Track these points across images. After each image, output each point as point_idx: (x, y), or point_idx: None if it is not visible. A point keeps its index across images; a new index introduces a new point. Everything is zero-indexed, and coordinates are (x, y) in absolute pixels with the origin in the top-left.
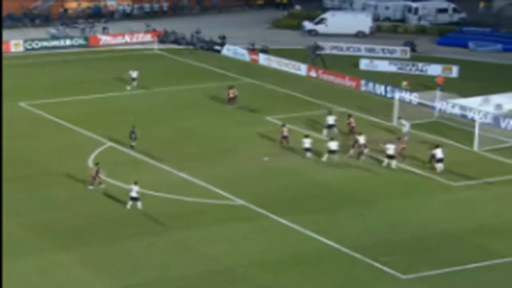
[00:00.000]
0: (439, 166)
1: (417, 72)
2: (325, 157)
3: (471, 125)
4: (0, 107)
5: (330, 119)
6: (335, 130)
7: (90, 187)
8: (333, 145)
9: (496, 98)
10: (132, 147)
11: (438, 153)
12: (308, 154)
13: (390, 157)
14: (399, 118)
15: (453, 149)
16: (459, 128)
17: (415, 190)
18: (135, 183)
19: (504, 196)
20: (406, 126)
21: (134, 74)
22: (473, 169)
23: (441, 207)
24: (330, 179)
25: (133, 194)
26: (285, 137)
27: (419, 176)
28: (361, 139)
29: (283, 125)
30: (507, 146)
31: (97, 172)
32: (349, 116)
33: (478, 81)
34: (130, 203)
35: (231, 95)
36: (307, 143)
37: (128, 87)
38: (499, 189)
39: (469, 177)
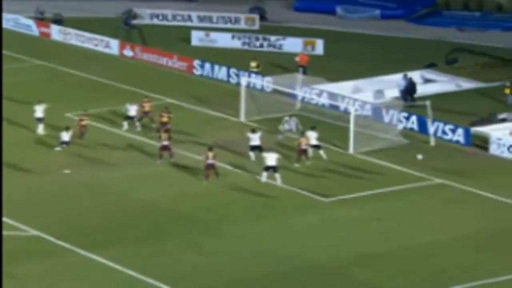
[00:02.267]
0: (322, 153)
1: (270, 49)
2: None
3: (344, 119)
4: (0, 106)
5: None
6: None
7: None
8: None
9: (374, 82)
10: None
11: (312, 137)
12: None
13: (272, 168)
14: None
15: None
16: (328, 123)
17: (272, 209)
18: None
19: (389, 214)
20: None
21: None
22: (349, 179)
23: (308, 232)
24: (155, 196)
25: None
26: None
27: (279, 190)
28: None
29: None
30: (393, 147)
31: None
32: (166, 110)
33: (351, 59)
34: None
35: None
36: (255, 139)
37: None
38: (383, 204)
39: (343, 189)
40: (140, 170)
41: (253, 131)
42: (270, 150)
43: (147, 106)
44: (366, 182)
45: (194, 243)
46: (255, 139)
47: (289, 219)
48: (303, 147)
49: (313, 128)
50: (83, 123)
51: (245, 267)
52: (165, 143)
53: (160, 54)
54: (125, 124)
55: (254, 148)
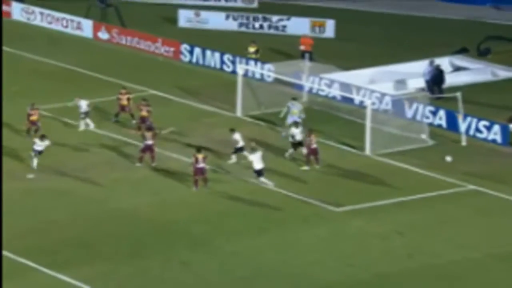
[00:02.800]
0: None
1: (271, 31)
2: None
3: (359, 114)
4: (0, 106)
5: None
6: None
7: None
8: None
9: (395, 70)
10: None
11: (297, 134)
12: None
13: (258, 172)
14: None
15: (333, 152)
16: (340, 119)
17: (274, 221)
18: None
19: (412, 226)
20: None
21: None
22: (365, 185)
23: (316, 247)
24: (135, 205)
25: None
26: None
27: (281, 198)
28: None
29: None
30: (418, 147)
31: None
32: (145, 102)
33: (367, 43)
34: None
35: None
36: (240, 140)
37: None
38: (405, 215)
39: (358, 197)
40: (117, 175)
41: (232, 130)
42: (254, 150)
43: (124, 99)
44: (385, 189)
45: (181, 261)
46: (240, 140)
47: (294, 232)
48: (314, 145)
49: (296, 125)
50: (32, 118)
51: None
52: (149, 142)
53: (141, 37)
54: (82, 124)
55: (240, 150)
